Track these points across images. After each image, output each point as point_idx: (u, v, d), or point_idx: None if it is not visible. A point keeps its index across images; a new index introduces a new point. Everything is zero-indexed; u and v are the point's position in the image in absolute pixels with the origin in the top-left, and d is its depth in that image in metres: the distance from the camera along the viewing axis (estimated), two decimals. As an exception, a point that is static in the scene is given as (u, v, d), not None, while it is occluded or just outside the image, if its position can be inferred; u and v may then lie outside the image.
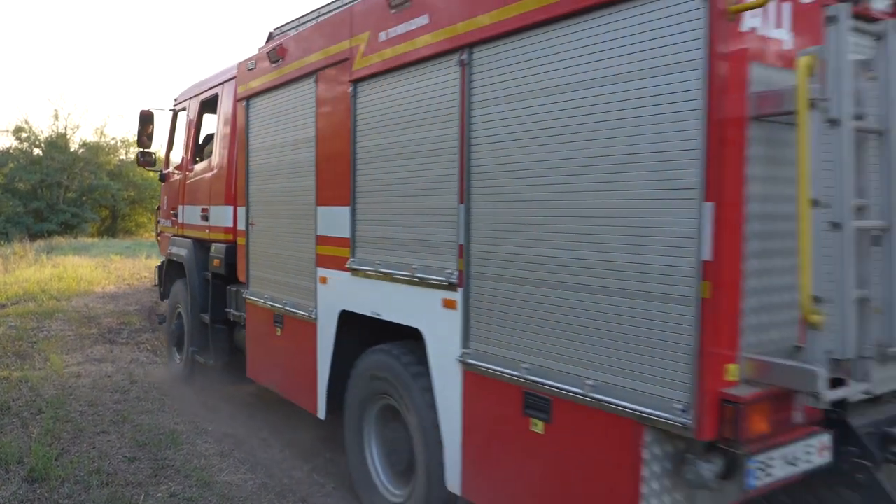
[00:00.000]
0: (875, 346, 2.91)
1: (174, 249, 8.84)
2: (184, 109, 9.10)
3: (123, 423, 6.91)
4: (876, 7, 3.34)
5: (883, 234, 2.96)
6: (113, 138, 47.46)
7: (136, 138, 10.09)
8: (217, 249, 7.61)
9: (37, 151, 44.34)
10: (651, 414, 3.00)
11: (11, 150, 43.99)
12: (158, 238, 10.38)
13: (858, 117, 2.84)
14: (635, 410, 3.06)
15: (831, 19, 2.76)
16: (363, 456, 5.19)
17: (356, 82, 4.96)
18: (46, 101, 73.35)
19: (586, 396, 3.28)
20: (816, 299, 2.74)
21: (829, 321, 2.76)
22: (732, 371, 2.93)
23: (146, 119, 9.57)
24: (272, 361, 6.55)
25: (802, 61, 2.77)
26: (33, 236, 34.65)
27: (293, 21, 6.90)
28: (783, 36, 3.03)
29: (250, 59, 6.67)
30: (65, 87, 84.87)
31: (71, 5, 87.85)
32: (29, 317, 13.36)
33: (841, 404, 3.24)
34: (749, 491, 3.02)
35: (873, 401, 3.45)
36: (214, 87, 8.14)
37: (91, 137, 47.48)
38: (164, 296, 9.58)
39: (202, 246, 8.08)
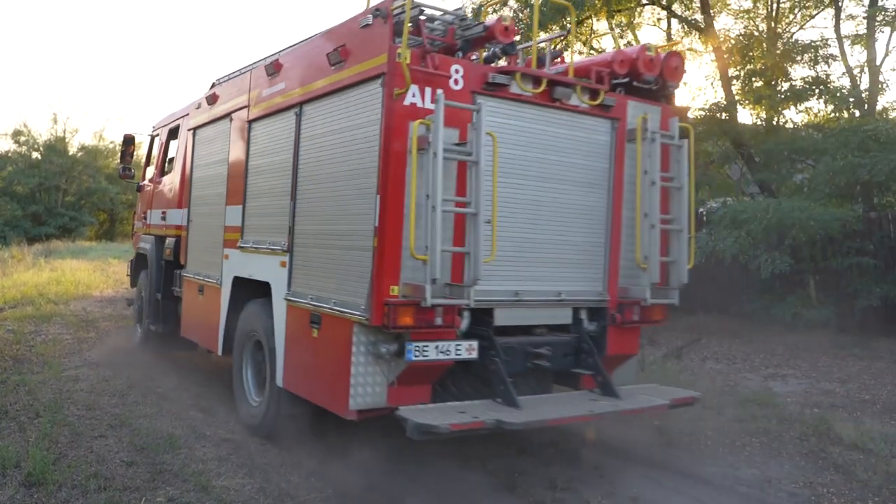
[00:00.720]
0: (471, 280, 5.14)
1: (141, 245, 11.00)
2: (157, 135, 11.27)
3: (121, 428, 6.89)
4: (513, 90, 5.59)
5: (472, 216, 5.16)
6: (111, 142, 47.49)
7: (119, 156, 12.53)
8: (169, 242, 9.68)
9: (35, 155, 44.32)
10: (353, 315, 5.25)
11: (10, 154, 43.97)
12: (133, 237, 12.63)
13: (466, 155, 5.18)
14: (348, 314, 5.31)
15: (438, 100, 5.00)
16: (241, 378, 7.24)
17: (250, 122, 7.30)
18: (45, 105, 73.38)
19: (332, 309, 5.54)
20: (424, 248, 4.98)
21: (433, 262, 4.94)
22: (394, 290, 5.10)
23: (128, 141, 11.90)
24: (195, 321, 8.65)
25: (414, 124, 5.04)
26: (31, 240, 34.60)
27: (228, 74, 8.72)
28: (444, 103, 5.00)
29: (198, 100, 8.94)
30: (64, 91, 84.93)
31: (70, 9, 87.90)
32: (27, 320, 13.33)
33: (489, 326, 5.60)
34: (409, 362, 5.19)
35: (527, 330, 6.00)
36: (177, 119, 10.28)
37: (90, 141, 47.51)
38: (133, 283, 11.63)
39: (161, 241, 10.08)
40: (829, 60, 15.01)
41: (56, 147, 44.40)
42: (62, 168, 43.27)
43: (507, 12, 19.52)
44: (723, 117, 14.77)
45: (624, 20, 19.64)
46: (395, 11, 5.14)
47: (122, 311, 14.29)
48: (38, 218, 41.55)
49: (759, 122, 15.94)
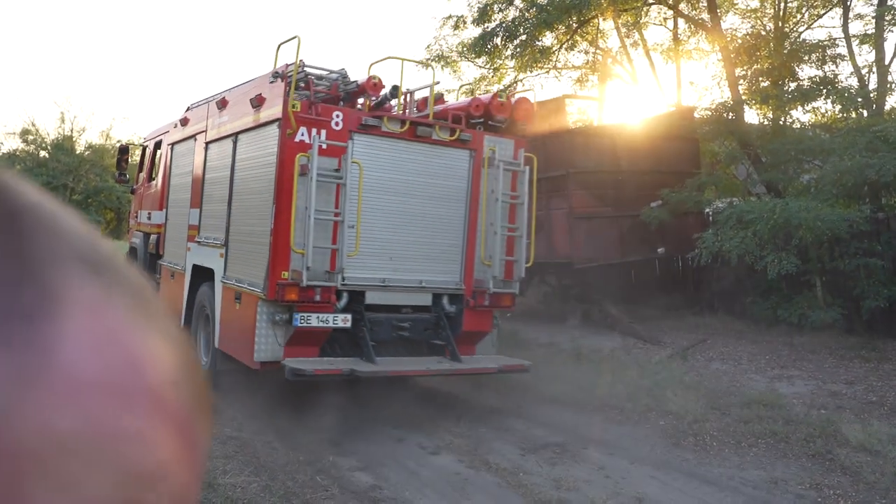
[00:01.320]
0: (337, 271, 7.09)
1: (133, 240, 12.91)
2: (147, 145, 12.66)
3: (128, 425, 6.92)
4: (384, 129, 7.34)
5: (340, 222, 7.04)
6: (118, 141, 47.59)
7: (115, 164, 14.51)
8: (152, 238, 11.39)
9: (43, 154, 44.49)
10: (257, 292, 7.07)
11: (18, 153, 44.14)
12: (128, 234, 14.42)
13: (337, 178, 7.01)
14: (255, 291, 7.13)
15: (313, 141, 6.92)
16: (195, 344, 8.71)
17: (207, 143, 9.08)
18: (53, 104, 73.64)
19: (246, 288, 7.38)
20: (302, 245, 6.83)
21: (310, 256, 6.81)
22: (284, 274, 6.90)
23: (123, 150, 14.18)
24: (167, 301, 9.91)
25: (298, 156, 6.86)
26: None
27: (196, 102, 10.26)
28: (319, 142, 6.88)
29: (176, 120, 10.61)
30: (71, 90, 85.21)
31: (77, 9, 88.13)
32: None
33: (361, 304, 7.40)
34: (296, 327, 6.94)
35: (396, 309, 7.72)
36: (161, 134, 11.68)
37: (97, 140, 47.67)
38: None
39: (147, 237, 11.78)
40: (837, 60, 14.98)
41: (63, 146, 44.56)
42: (69, 167, 43.42)
43: (512, 12, 19.55)
44: (729, 117, 14.73)
45: (630, 20, 19.62)
46: (289, 73, 7.03)
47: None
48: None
49: (765, 122, 15.91)
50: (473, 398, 8.88)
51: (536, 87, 21.62)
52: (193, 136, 9.64)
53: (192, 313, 9.02)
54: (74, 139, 46.01)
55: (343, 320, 7.18)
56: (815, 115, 15.40)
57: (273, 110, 7.19)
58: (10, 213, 0.34)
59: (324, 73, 7.54)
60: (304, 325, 6.97)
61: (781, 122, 15.37)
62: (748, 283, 12.65)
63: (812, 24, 17.67)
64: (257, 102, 7.52)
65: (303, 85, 7.22)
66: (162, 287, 10.52)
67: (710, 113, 14.83)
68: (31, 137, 44.53)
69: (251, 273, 7.36)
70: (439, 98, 8.90)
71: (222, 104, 8.58)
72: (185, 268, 9.41)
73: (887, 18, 14.42)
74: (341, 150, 7.01)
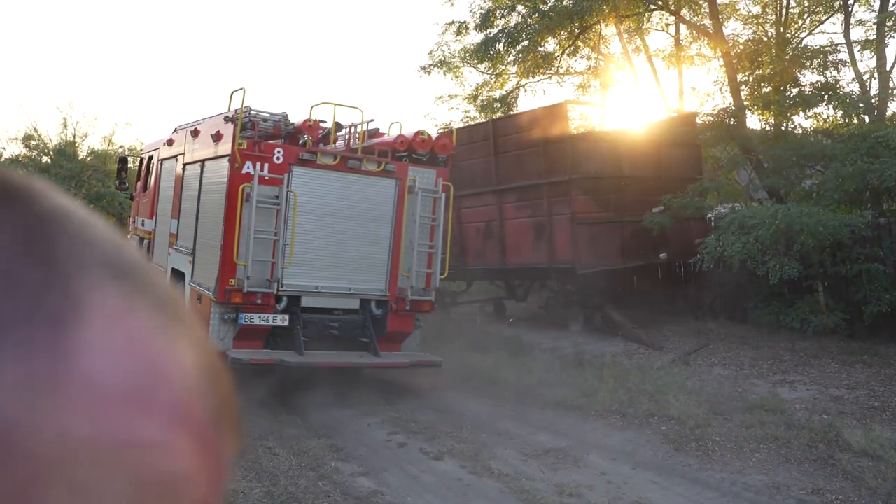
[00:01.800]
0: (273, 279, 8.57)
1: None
2: (143, 157, 13.58)
3: (130, 430, 6.93)
4: (319, 162, 8.71)
5: (276, 240, 8.53)
6: (121, 146, 47.73)
7: (116, 173, 15.73)
8: (145, 243, 12.19)
9: (45, 159, 44.59)
10: (210, 294, 8.47)
11: (20, 158, 44.24)
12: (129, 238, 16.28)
13: (276, 204, 8.49)
14: (209, 294, 8.47)
15: (255, 175, 8.39)
16: None
17: (185, 165, 10.28)
18: (55, 110, 73.82)
19: (203, 290, 8.71)
20: (244, 258, 8.28)
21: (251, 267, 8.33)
22: (231, 281, 8.21)
23: (123, 161, 15.53)
24: None
25: (242, 186, 8.29)
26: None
27: (180, 125, 11.22)
28: (262, 172, 8.30)
29: (165, 139, 11.62)
30: (73, 96, 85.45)
31: (80, 14, 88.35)
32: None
33: (298, 307, 8.68)
34: (241, 325, 8.31)
35: (329, 311, 9.01)
36: (155, 149, 12.61)
37: (99, 145, 47.81)
38: None
39: (141, 241, 12.43)
40: (839, 66, 14.97)
41: (66, 151, 44.58)
42: (72, 172, 43.40)
43: (514, 18, 19.60)
44: (731, 123, 14.74)
45: (632, 25, 19.65)
46: (237, 118, 8.44)
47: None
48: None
49: (767, 128, 15.90)
50: (474, 404, 8.88)
51: (539, 92, 21.74)
52: (175, 157, 10.84)
53: None
54: (77, 144, 46.10)
55: (281, 320, 8.63)
56: (817, 121, 15.41)
57: (225, 146, 8.61)
58: (39, 218, 0.34)
59: (268, 115, 8.96)
60: (248, 323, 8.43)
61: (783, 128, 15.36)
62: (750, 289, 12.64)
63: (814, 29, 17.70)
64: (216, 138, 8.98)
65: (250, 125, 8.63)
66: None
67: (711, 118, 14.85)
68: (33, 143, 44.63)
69: (207, 278, 8.78)
70: (376, 132, 10.07)
71: (195, 133, 9.89)
72: (167, 270, 10.39)
73: (888, 24, 14.44)
74: (280, 181, 8.48)
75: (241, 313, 8.37)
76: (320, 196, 8.84)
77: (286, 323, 8.62)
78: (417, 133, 9.24)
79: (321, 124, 9.10)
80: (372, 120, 9.86)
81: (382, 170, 9.05)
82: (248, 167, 8.32)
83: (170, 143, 11.30)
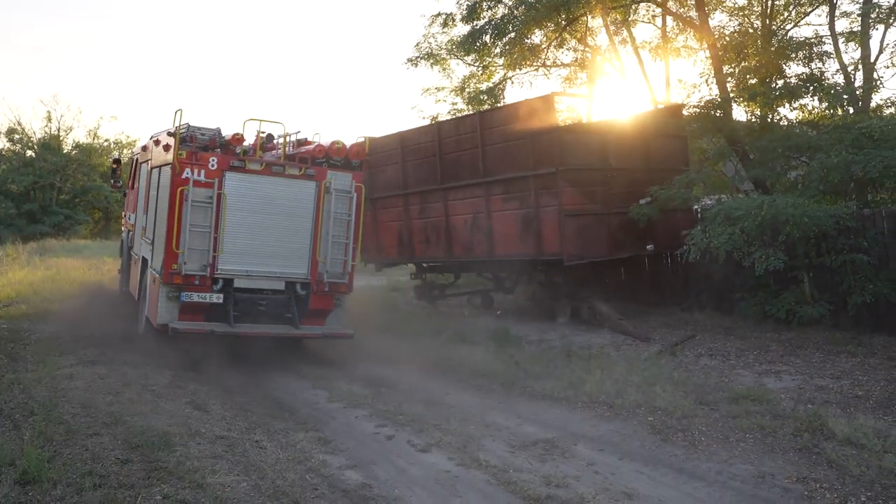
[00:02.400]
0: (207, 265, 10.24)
1: (122, 234, 16.04)
2: (131, 160, 15.55)
3: (116, 425, 6.89)
4: (248, 168, 10.40)
5: (208, 232, 10.17)
6: (106, 140, 47.42)
7: (110, 172, 16.70)
8: (130, 234, 14.23)
9: (29, 153, 44.18)
10: (158, 277, 10.21)
11: (4, 152, 43.83)
12: (123, 229, 17.01)
13: (209, 203, 10.13)
14: (158, 276, 10.19)
15: (190, 179, 10.06)
16: (140, 312, 11.48)
17: (151, 168, 11.86)
18: (39, 103, 73.06)
19: (156, 274, 10.38)
20: (181, 247, 9.99)
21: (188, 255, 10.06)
22: (174, 266, 9.95)
23: (117, 161, 16.48)
24: (132, 282, 13.22)
25: (180, 189, 9.94)
26: (26, 238, 34.44)
27: (155, 133, 12.35)
28: (199, 177, 10.03)
29: (143, 144, 13.53)
30: (57, 89, 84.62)
31: (63, 6, 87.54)
32: (21, 319, 13.30)
33: (231, 287, 10.33)
34: (182, 302, 10.00)
35: (258, 291, 10.60)
36: (137, 153, 14.55)
37: (84, 139, 47.39)
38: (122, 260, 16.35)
39: (129, 232, 14.49)
40: (824, 58, 15.04)
41: (50, 145, 44.27)
42: (56, 166, 43.15)
43: (501, 10, 19.56)
44: (717, 114, 14.78)
45: (619, 17, 19.65)
46: (178, 131, 10.23)
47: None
48: (32, 216, 41.42)
49: (753, 120, 15.96)
50: (462, 396, 8.89)
51: (526, 84, 21.71)
52: (147, 161, 12.53)
53: (143, 291, 11.65)
54: (61, 138, 45.73)
55: (217, 298, 10.20)
56: (802, 112, 15.46)
57: (170, 156, 10.28)
58: None
59: (205, 130, 10.82)
60: (188, 300, 10.07)
61: (769, 120, 15.42)
62: (736, 280, 12.71)
63: (799, 21, 17.76)
64: (166, 148, 10.74)
65: (189, 138, 10.46)
66: (132, 270, 13.50)
67: (698, 110, 14.88)
68: (16, 136, 44.22)
69: (158, 264, 10.36)
70: (305, 141, 11.79)
71: (156, 142, 11.64)
72: (140, 257, 12.14)
73: (872, 16, 14.52)
74: (212, 184, 10.11)
75: (182, 292, 10.03)
76: (250, 196, 10.45)
77: (221, 300, 10.20)
78: (333, 143, 10.94)
79: (243, 137, 10.70)
80: (299, 132, 11.91)
81: (303, 174, 10.70)
82: (187, 173, 9.98)
83: (144, 148, 13.24)
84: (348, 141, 11.19)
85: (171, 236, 9.97)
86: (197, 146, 10.37)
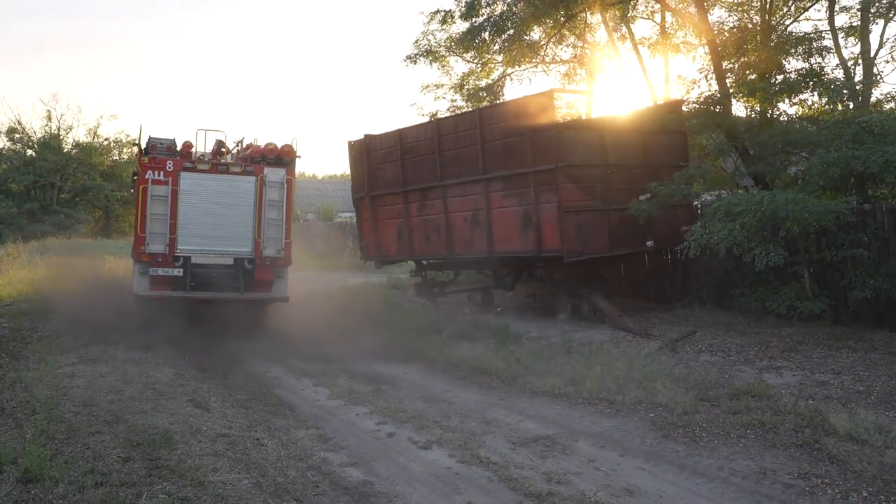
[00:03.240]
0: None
1: None
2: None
3: (117, 423, 6.90)
4: (199, 168, 13.06)
5: (166, 219, 12.76)
6: (106, 139, 47.39)
7: (131, 183, 18.30)
8: None
9: (30, 152, 44.15)
10: (133, 258, 13.07)
11: (4, 151, 43.81)
12: None
13: (165, 197, 12.73)
14: (133, 257, 12.96)
15: (149, 179, 12.69)
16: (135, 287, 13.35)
17: (133, 172, 14.57)
18: (39, 102, 72.99)
19: (133, 256, 13.13)
20: (146, 231, 12.67)
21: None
22: (142, 248, 12.54)
23: (135, 174, 16.99)
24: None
25: (142, 186, 12.62)
26: (27, 237, 34.44)
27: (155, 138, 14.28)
28: (158, 177, 12.65)
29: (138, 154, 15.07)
30: (57, 88, 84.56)
31: (64, 6, 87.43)
32: (23, 317, 13.30)
33: (189, 262, 12.81)
34: (151, 275, 12.54)
35: (212, 266, 13.08)
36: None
37: (84, 138, 47.35)
38: None
39: None
40: (823, 53, 15.02)
41: (51, 144, 44.24)
42: (57, 165, 43.13)
43: (500, 6, 19.53)
44: (717, 110, 14.77)
45: (618, 13, 19.62)
46: (139, 142, 13.49)
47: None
48: (33, 215, 41.43)
49: (753, 115, 15.94)
50: (462, 393, 8.90)
51: (525, 81, 21.70)
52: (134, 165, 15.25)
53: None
54: (62, 137, 45.70)
55: (177, 271, 12.59)
56: (802, 108, 15.46)
57: (137, 163, 13.00)
58: None
59: (163, 140, 13.45)
60: (155, 273, 12.50)
61: (769, 115, 15.40)
62: (736, 275, 12.71)
63: (798, 16, 17.73)
64: (138, 156, 13.24)
65: (151, 147, 13.19)
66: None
67: (697, 106, 14.87)
68: (17, 136, 44.18)
69: (132, 246, 13.28)
70: (250, 146, 14.19)
71: (138, 154, 13.90)
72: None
73: (872, 11, 14.50)
74: (167, 182, 12.60)
75: (150, 268, 12.49)
76: (200, 190, 12.91)
77: (181, 274, 12.65)
78: (267, 144, 13.50)
79: (191, 144, 13.73)
80: (243, 138, 14.67)
81: (243, 171, 13.25)
82: (149, 174, 12.54)
83: (137, 156, 15.56)
84: (294, 143, 13.73)
85: (137, 223, 12.69)
86: (156, 153, 13.03)
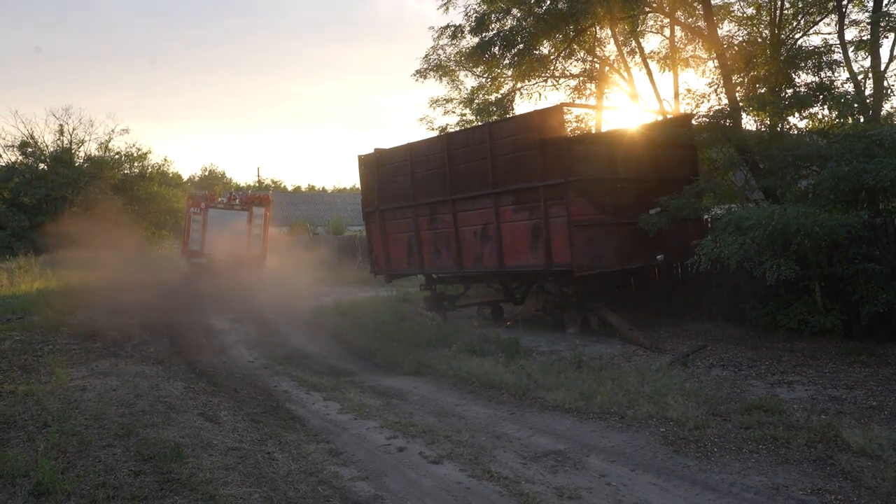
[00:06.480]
0: None
1: None
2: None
3: (129, 437, 6.92)
4: (218, 206, 24.83)
5: (200, 237, 24.59)
6: (117, 153, 47.72)
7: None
8: None
9: (42, 166, 44.52)
10: (181, 252, 26.55)
11: (17, 165, 44.19)
12: None
13: (199, 223, 24.63)
14: (181, 252, 26.33)
15: (191, 213, 24.85)
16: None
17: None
18: (51, 116, 73.67)
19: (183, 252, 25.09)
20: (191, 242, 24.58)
21: None
22: (187, 248, 25.62)
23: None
24: None
25: (186, 215, 25.18)
26: (38, 250, 34.68)
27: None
28: (195, 210, 24.25)
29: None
30: (69, 103, 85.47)
31: (76, 22, 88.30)
32: (34, 330, 13.37)
33: (213, 259, 24.62)
34: (192, 263, 24.34)
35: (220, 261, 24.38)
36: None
37: (95, 152, 47.71)
38: None
39: None
40: (833, 66, 15.00)
41: (62, 158, 44.59)
42: (68, 179, 43.45)
43: (510, 21, 19.63)
44: (727, 124, 14.76)
45: (627, 28, 19.68)
46: (187, 195, 31.04)
47: (129, 321, 14.31)
48: (44, 228, 41.64)
49: (763, 129, 15.90)
50: (473, 407, 8.88)
51: (535, 95, 21.74)
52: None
53: None
54: (73, 151, 46.09)
55: (204, 261, 22.34)
56: (812, 121, 15.41)
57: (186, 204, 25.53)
58: None
59: (200, 192, 27.96)
60: (190, 260, 22.85)
61: (779, 129, 15.36)
62: (747, 290, 12.65)
63: (808, 30, 17.73)
64: (186, 200, 26.21)
65: (191, 196, 25.49)
66: None
67: (707, 120, 14.85)
68: (29, 150, 44.57)
69: (181, 248, 24.31)
70: (245, 194, 24.50)
71: (188, 199, 26.11)
72: None
73: (882, 24, 14.48)
74: (200, 213, 23.12)
75: (191, 258, 22.09)
76: (220, 220, 22.62)
77: (206, 262, 21.86)
78: (254, 194, 23.58)
79: (215, 194, 23.92)
80: (244, 188, 24.22)
81: (241, 208, 23.27)
82: (191, 209, 23.29)
83: (187, 201, 26.61)
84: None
85: (185, 234, 23.49)
86: (195, 198, 24.03)
